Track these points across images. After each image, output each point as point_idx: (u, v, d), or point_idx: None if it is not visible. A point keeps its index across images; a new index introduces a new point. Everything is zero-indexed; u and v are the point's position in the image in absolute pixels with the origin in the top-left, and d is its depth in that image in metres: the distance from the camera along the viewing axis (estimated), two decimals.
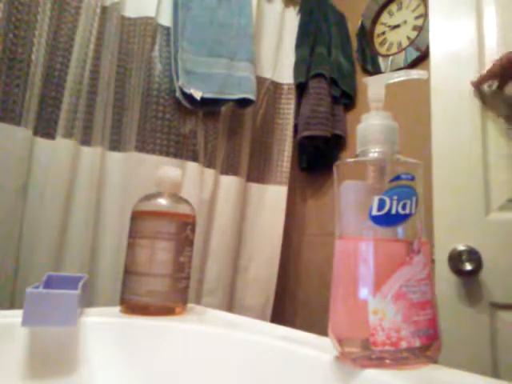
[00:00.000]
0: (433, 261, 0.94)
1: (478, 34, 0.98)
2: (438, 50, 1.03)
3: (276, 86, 1.47)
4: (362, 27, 1.48)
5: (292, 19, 1.52)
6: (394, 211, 0.30)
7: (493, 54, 0.93)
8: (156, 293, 0.47)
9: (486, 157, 0.93)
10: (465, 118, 0.95)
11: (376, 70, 1.41)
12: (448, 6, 1.04)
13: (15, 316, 0.38)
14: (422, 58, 1.28)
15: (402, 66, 1.32)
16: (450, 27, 1.03)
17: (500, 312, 0.86)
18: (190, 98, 1.21)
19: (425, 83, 1.04)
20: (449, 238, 0.94)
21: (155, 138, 1.20)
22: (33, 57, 1.04)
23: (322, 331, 0.37)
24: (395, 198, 0.30)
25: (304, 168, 1.54)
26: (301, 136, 1.41)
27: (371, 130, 0.33)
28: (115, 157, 1.16)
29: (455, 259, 0.94)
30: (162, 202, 0.50)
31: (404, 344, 0.28)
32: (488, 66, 0.88)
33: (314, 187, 1.57)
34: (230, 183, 1.33)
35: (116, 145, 1.17)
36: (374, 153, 0.32)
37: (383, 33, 1.43)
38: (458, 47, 1.01)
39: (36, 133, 1.05)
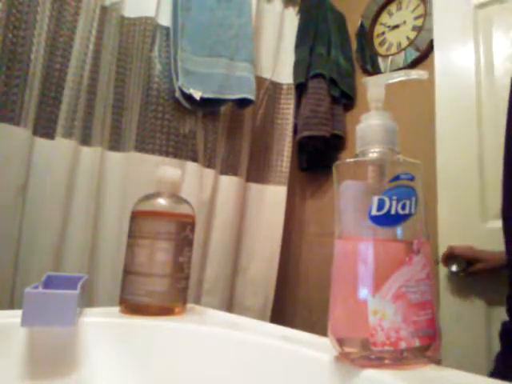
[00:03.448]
0: (436, 262, 0.96)
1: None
2: (443, 54, 1.05)
3: (275, 86, 1.47)
4: (362, 27, 1.48)
5: (291, 19, 1.52)
6: (393, 211, 0.30)
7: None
8: (155, 293, 0.47)
9: (482, 167, 0.96)
10: (464, 130, 1.02)
11: (375, 70, 1.41)
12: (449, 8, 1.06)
13: (14, 316, 0.38)
14: (421, 58, 1.28)
15: (401, 66, 1.32)
16: (452, 32, 1.06)
17: (497, 311, 0.88)
18: (189, 98, 1.21)
19: (431, 89, 1.07)
20: (448, 240, 0.98)
21: (155, 137, 1.20)
22: (32, 57, 1.04)
23: (321, 331, 0.37)
24: (394, 198, 0.30)
25: (303, 168, 1.54)
26: (300, 136, 1.41)
27: (371, 130, 0.33)
28: (115, 157, 1.16)
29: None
30: (162, 202, 0.50)
31: (403, 344, 0.28)
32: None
33: (313, 187, 1.57)
34: (229, 183, 1.33)
35: (115, 145, 1.17)
36: (374, 153, 0.32)
37: (383, 33, 1.43)
38: (461, 54, 1.03)
39: (35, 133, 1.05)
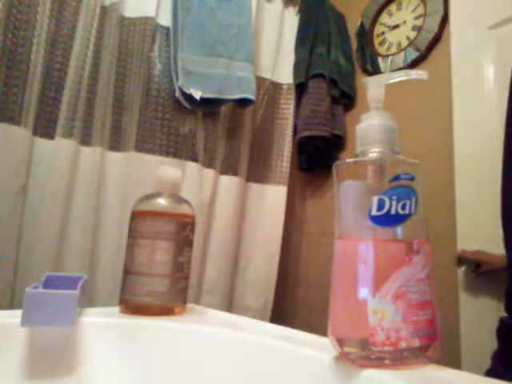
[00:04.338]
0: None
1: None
2: (459, 70, 1.16)
3: (275, 86, 1.47)
4: (362, 27, 1.48)
5: (292, 19, 1.52)
6: (393, 211, 0.30)
7: None
8: (155, 293, 0.47)
9: (496, 173, 1.01)
10: (480, 137, 1.08)
11: (375, 70, 1.41)
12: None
13: (14, 316, 0.38)
14: (421, 58, 1.28)
15: (401, 66, 1.32)
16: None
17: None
18: (189, 97, 1.21)
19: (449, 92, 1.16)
20: (465, 243, 1.06)
21: (155, 137, 1.20)
22: (32, 57, 1.04)
23: (321, 331, 0.37)
24: (394, 198, 0.30)
25: (303, 168, 1.54)
26: (300, 136, 1.41)
27: (371, 130, 0.33)
28: (115, 157, 1.16)
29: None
30: (162, 201, 0.50)
31: (403, 344, 0.28)
32: None
33: (313, 187, 1.57)
34: (229, 183, 1.33)
35: (115, 145, 1.17)
36: (374, 153, 0.32)
37: (383, 33, 1.43)
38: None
39: (35, 133, 1.05)
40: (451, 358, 0.98)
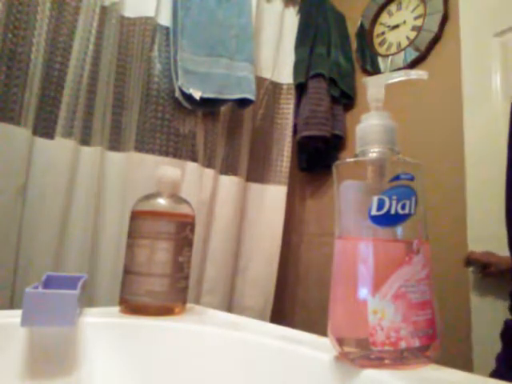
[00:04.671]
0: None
1: None
2: (470, 76, 1.16)
3: (275, 86, 1.47)
4: (362, 27, 1.48)
5: (292, 19, 1.52)
6: (393, 211, 0.30)
7: None
8: (155, 293, 0.47)
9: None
10: (491, 141, 1.09)
11: (375, 70, 1.41)
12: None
13: (14, 316, 0.38)
14: (421, 58, 1.28)
15: (401, 66, 1.32)
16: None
17: None
18: (189, 97, 1.21)
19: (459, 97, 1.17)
20: (476, 245, 1.08)
21: (154, 137, 1.20)
22: (32, 57, 1.04)
23: (321, 331, 0.37)
24: (394, 198, 0.30)
25: (303, 168, 1.54)
26: (300, 136, 1.41)
27: (371, 130, 0.33)
28: (114, 157, 1.16)
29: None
30: (162, 201, 0.50)
31: (403, 344, 0.28)
32: None
33: (313, 187, 1.57)
34: (229, 183, 1.33)
35: (115, 145, 1.17)
36: (374, 153, 0.32)
37: (382, 33, 1.43)
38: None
39: (35, 133, 1.05)
40: (463, 358, 0.99)
